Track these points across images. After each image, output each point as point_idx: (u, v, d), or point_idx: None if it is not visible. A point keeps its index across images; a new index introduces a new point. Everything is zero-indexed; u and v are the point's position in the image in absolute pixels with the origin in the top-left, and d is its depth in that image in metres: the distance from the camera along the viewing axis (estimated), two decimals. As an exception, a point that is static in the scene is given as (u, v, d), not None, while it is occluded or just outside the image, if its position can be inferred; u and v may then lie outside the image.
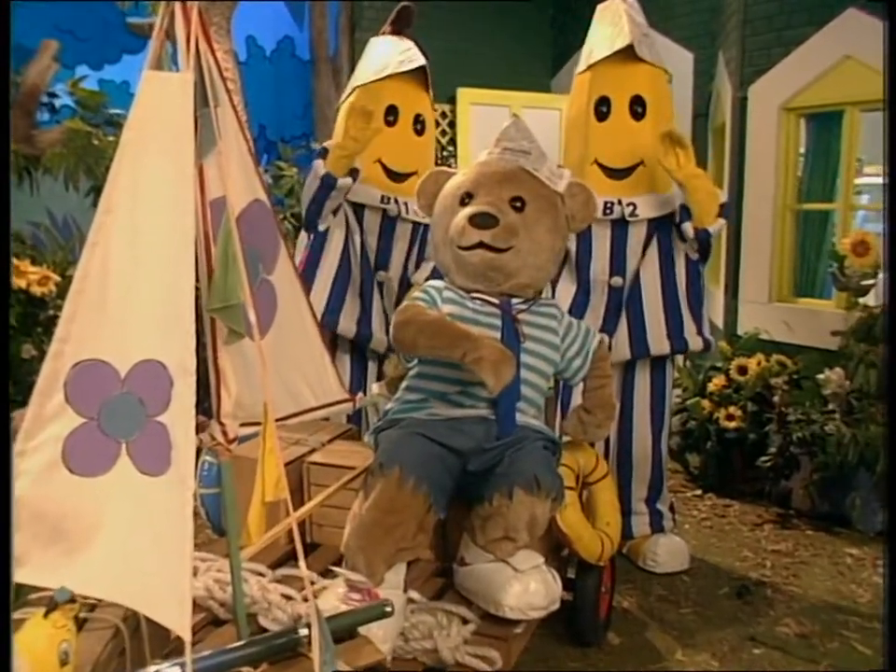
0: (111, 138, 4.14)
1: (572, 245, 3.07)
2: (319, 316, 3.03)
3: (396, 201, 3.20)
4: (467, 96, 5.99)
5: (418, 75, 3.22)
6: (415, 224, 3.27)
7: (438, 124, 6.02)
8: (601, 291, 3.06)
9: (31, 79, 4.23)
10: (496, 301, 2.34)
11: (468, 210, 2.31)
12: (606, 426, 2.55)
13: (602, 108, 2.99)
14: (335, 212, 3.17)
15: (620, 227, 3.00)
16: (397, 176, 3.22)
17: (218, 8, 4.75)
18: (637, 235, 3.02)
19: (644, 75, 2.97)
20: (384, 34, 3.31)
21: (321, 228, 3.17)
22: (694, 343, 3.06)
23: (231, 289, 1.49)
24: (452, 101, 5.96)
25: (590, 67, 3.03)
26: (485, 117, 6.04)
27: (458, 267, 2.36)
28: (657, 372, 3.15)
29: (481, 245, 2.27)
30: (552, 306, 2.48)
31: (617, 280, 3.04)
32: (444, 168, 2.62)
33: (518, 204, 2.31)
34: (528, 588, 2.02)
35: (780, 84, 4.14)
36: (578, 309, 3.05)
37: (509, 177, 2.35)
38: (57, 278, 3.59)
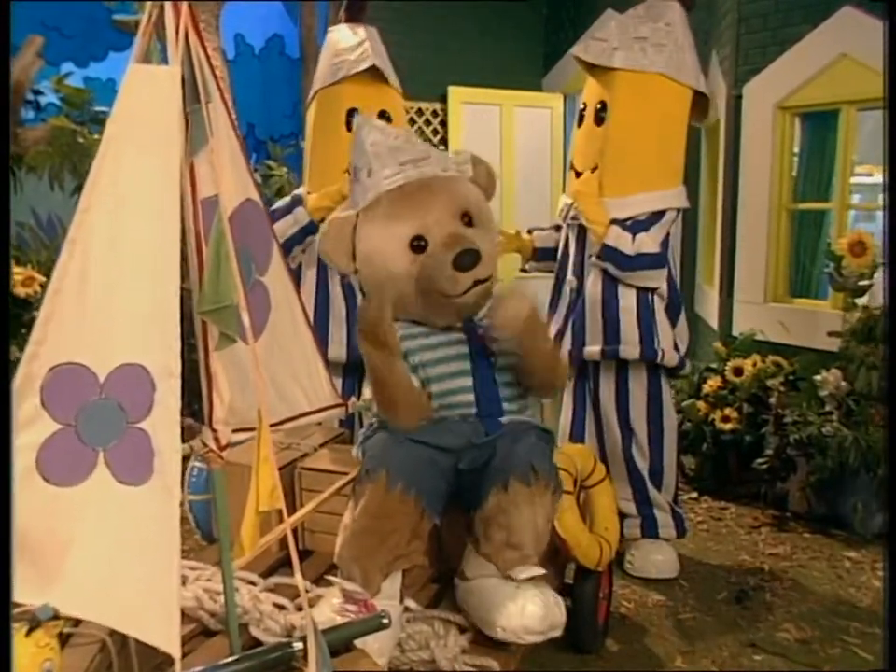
0: (97, 136, 4.08)
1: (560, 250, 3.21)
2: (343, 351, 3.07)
3: None
4: (458, 95, 5.96)
5: (374, 71, 3.13)
6: None
7: (429, 123, 5.99)
8: (565, 291, 3.15)
9: (15, 76, 4.15)
10: (458, 326, 2.19)
11: (442, 254, 2.05)
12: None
13: (582, 113, 3.16)
14: (305, 248, 3.15)
15: (582, 229, 3.07)
16: None
17: (206, 6, 4.69)
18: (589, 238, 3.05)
19: (614, 82, 3.01)
20: (339, 21, 3.24)
21: (292, 266, 3.10)
22: (669, 357, 3.01)
23: (224, 291, 1.43)
24: (443, 99, 5.92)
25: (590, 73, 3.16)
26: (477, 115, 6.02)
27: (441, 312, 2.16)
28: (652, 387, 3.08)
29: (475, 283, 2.09)
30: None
31: (572, 281, 3.10)
32: (339, 216, 2.23)
33: (467, 220, 2.13)
34: (524, 610, 1.90)
35: (775, 83, 4.10)
36: (552, 308, 3.18)
37: (441, 195, 2.12)
38: (42, 279, 3.54)
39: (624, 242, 2.92)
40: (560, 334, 3.07)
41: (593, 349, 3.03)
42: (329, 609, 1.85)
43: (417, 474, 1.99)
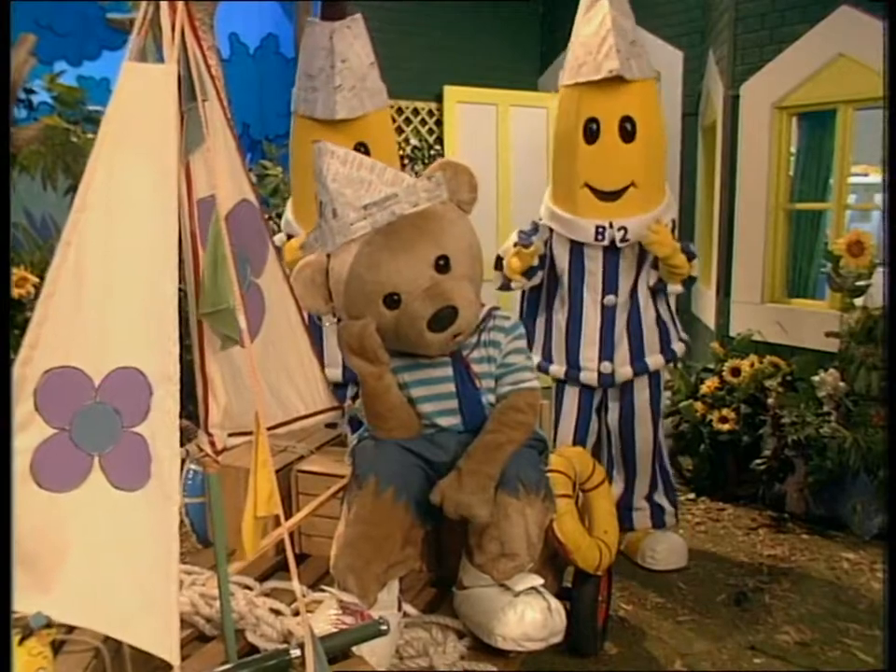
0: (90, 136, 4.05)
1: (564, 266, 3.04)
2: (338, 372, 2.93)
3: None
4: (454, 94, 5.93)
5: None
6: None
7: (425, 123, 5.97)
8: (594, 311, 3.03)
9: (7, 75, 4.12)
10: (445, 353, 2.09)
11: (415, 314, 1.93)
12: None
13: (591, 128, 2.90)
14: None
15: (612, 248, 2.97)
16: None
17: (201, 5, 4.65)
18: (628, 257, 3.00)
19: (633, 94, 2.88)
20: (318, 19, 3.03)
21: None
22: (679, 349, 3.16)
23: (222, 293, 1.41)
24: (439, 99, 5.89)
25: (575, 84, 2.93)
26: (473, 115, 5.99)
27: (421, 350, 2.06)
28: (653, 375, 3.14)
29: (455, 337, 2.00)
30: (496, 327, 2.14)
31: (610, 299, 3.01)
32: (304, 262, 2.06)
33: (442, 263, 1.97)
34: (524, 617, 1.89)
35: (773, 82, 4.09)
36: (573, 329, 3.04)
37: (413, 242, 1.95)
38: (35, 279, 3.51)
39: (693, 266, 2.98)
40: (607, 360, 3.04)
41: (657, 360, 3.09)
42: (326, 621, 1.82)
43: (406, 479, 1.97)
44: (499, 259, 3.03)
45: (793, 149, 4.26)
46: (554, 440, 3.12)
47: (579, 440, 3.11)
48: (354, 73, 2.91)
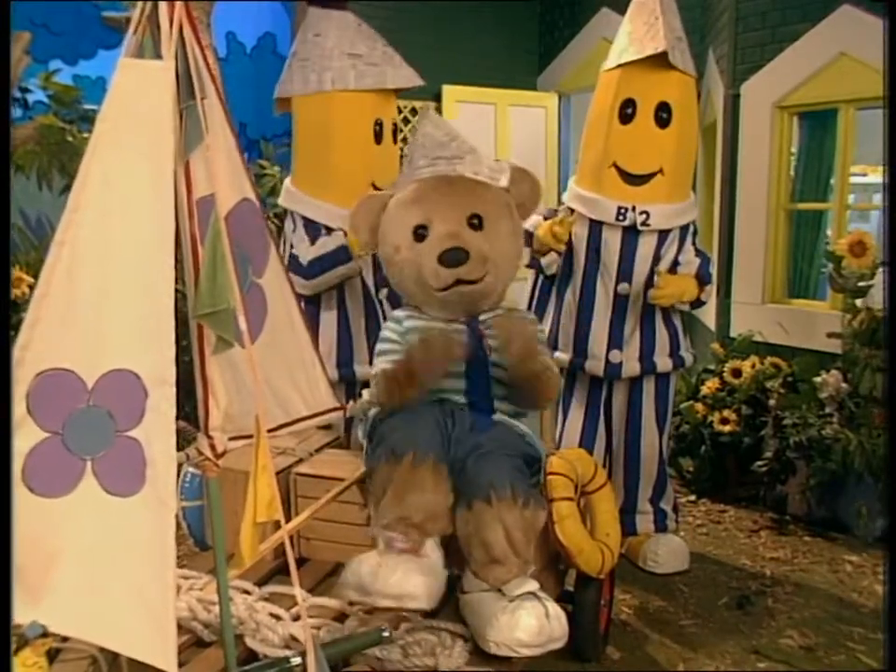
0: (86, 135, 4.00)
1: (581, 250, 3.01)
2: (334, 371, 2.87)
3: None
4: (452, 94, 5.91)
5: None
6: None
7: (422, 122, 5.94)
8: (606, 299, 3.00)
9: (1, 73, 4.08)
10: (463, 320, 2.28)
11: (432, 247, 2.19)
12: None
13: (627, 111, 2.91)
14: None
15: (631, 234, 2.95)
16: None
17: (198, 4, 4.62)
18: (647, 244, 2.96)
19: (674, 82, 2.90)
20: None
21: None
22: (688, 358, 3.15)
23: (220, 293, 1.38)
24: (437, 98, 5.87)
25: (619, 66, 2.94)
26: (471, 114, 5.97)
27: (436, 305, 2.27)
28: (662, 376, 3.11)
29: (458, 282, 2.19)
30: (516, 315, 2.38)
31: (624, 287, 2.98)
32: (372, 194, 2.42)
33: (476, 222, 2.22)
34: (518, 622, 1.87)
35: (774, 82, 4.07)
36: (583, 317, 3.01)
37: (457, 194, 2.25)
38: (30, 280, 3.48)
39: (705, 291, 3.02)
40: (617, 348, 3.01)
41: (665, 362, 3.07)
42: (371, 560, 1.90)
43: (438, 447, 2.03)
44: (528, 235, 2.94)
45: (794, 149, 4.24)
46: (559, 445, 3.09)
47: (585, 446, 3.07)
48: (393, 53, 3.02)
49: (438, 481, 1.97)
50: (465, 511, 1.98)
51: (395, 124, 3.08)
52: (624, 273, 2.97)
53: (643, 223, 2.90)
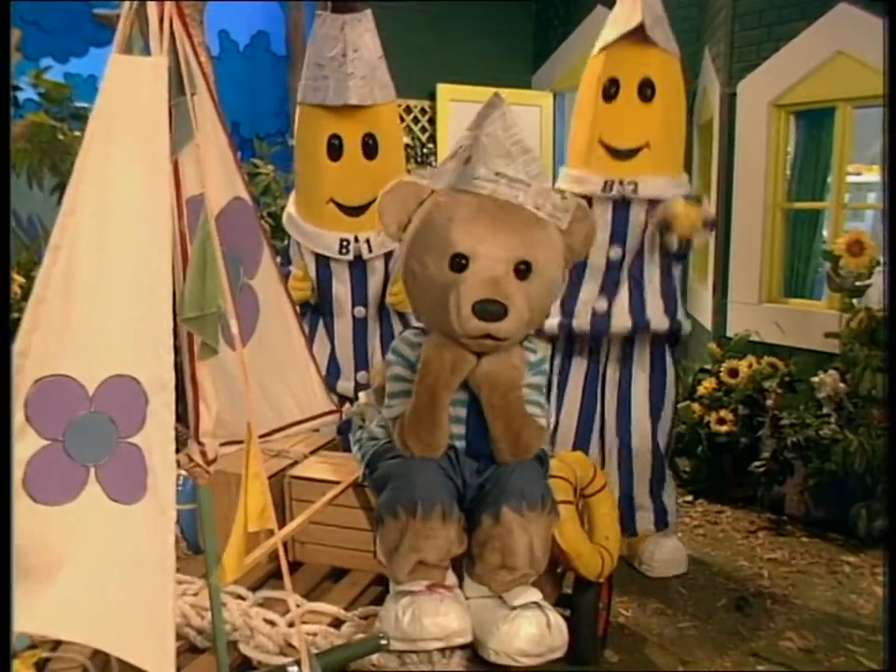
0: (77, 133, 3.97)
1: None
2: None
3: (357, 239, 2.94)
4: (447, 92, 5.88)
5: None
6: (387, 255, 3.02)
7: (417, 121, 5.91)
8: (599, 263, 2.99)
9: (-9, 71, 4.04)
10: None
11: (468, 289, 1.88)
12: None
13: (611, 89, 2.94)
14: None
15: (621, 204, 2.95)
16: (353, 211, 2.95)
17: (190, 1, 4.58)
18: (638, 215, 2.96)
19: (655, 57, 2.91)
20: (324, 9, 2.95)
21: None
22: (685, 324, 3.06)
23: (210, 296, 1.35)
24: (432, 97, 5.85)
25: (602, 50, 2.97)
26: (466, 113, 5.93)
27: (450, 334, 1.97)
28: (656, 360, 3.06)
29: (487, 336, 1.91)
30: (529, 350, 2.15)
31: (616, 251, 2.97)
32: (410, 180, 2.10)
33: (523, 268, 1.93)
34: (518, 631, 1.84)
35: (770, 80, 4.05)
36: (574, 281, 2.98)
37: (511, 230, 1.93)
38: (21, 280, 3.45)
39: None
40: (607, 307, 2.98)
41: (660, 321, 2.98)
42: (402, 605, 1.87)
43: (445, 495, 1.96)
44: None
45: (790, 148, 4.22)
46: (555, 432, 3.06)
47: (579, 435, 3.06)
48: (365, 63, 2.88)
49: (448, 524, 1.93)
50: (488, 516, 1.94)
51: (370, 136, 2.93)
52: (617, 238, 2.97)
53: (633, 192, 2.91)
